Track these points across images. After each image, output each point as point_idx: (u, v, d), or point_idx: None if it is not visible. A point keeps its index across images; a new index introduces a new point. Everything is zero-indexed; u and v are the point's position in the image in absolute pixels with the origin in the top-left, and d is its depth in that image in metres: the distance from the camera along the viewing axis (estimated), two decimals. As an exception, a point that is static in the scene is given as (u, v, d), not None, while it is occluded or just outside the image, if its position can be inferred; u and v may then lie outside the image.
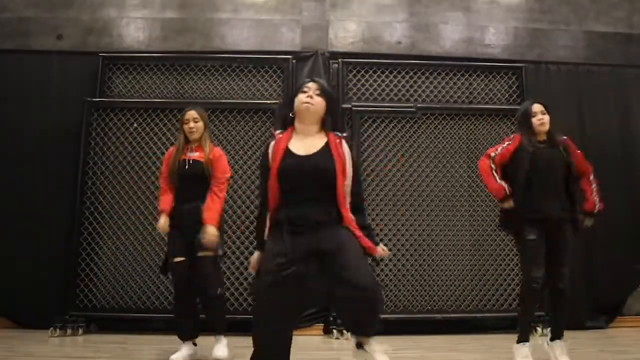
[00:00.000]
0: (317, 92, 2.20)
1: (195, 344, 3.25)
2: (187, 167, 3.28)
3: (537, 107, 3.20)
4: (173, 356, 3.07)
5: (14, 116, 4.99)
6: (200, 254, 3.19)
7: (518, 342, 3.06)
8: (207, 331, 3.29)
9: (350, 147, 2.23)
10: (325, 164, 2.10)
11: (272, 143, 2.22)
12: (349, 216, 2.10)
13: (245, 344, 3.44)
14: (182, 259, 3.20)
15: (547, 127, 3.16)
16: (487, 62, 5.39)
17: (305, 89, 2.21)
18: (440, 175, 4.98)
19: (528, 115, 3.18)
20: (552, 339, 3.12)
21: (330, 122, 2.25)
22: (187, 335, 3.24)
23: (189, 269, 3.21)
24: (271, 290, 1.96)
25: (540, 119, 3.15)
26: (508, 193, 3.11)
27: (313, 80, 2.26)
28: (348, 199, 2.13)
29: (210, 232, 3.12)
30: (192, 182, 3.26)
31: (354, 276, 1.92)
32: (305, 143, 2.17)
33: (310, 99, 2.18)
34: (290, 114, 2.24)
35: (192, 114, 3.38)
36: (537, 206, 3.05)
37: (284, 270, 1.94)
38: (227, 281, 4.62)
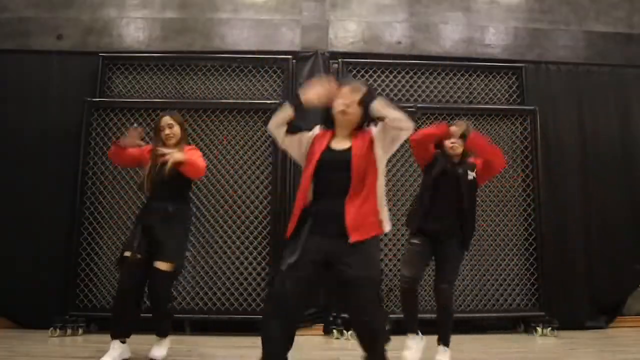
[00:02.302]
0: (358, 100, 2.21)
1: (124, 342, 3.13)
2: (157, 171, 3.19)
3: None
4: (104, 357, 2.98)
5: (14, 116, 4.99)
6: (157, 264, 3.05)
7: (407, 332, 3.24)
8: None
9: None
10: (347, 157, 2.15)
11: (316, 131, 2.30)
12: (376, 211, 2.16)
13: (247, 344, 3.44)
14: (137, 255, 3.03)
15: (458, 151, 3.29)
16: (487, 62, 5.39)
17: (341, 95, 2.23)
18: (440, 175, 4.97)
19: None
20: (438, 343, 3.22)
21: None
22: (120, 333, 3.12)
23: (140, 269, 3.05)
24: (287, 285, 2.00)
25: (453, 142, 3.27)
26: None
27: (355, 84, 2.26)
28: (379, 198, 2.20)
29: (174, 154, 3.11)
30: (163, 184, 3.18)
31: (369, 322, 2.02)
32: (340, 143, 2.25)
33: (346, 108, 2.19)
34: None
35: (166, 120, 3.28)
36: (431, 219, 3.22)
37: (298, 271, 2.00)
38: (227, 281, 4.62)
